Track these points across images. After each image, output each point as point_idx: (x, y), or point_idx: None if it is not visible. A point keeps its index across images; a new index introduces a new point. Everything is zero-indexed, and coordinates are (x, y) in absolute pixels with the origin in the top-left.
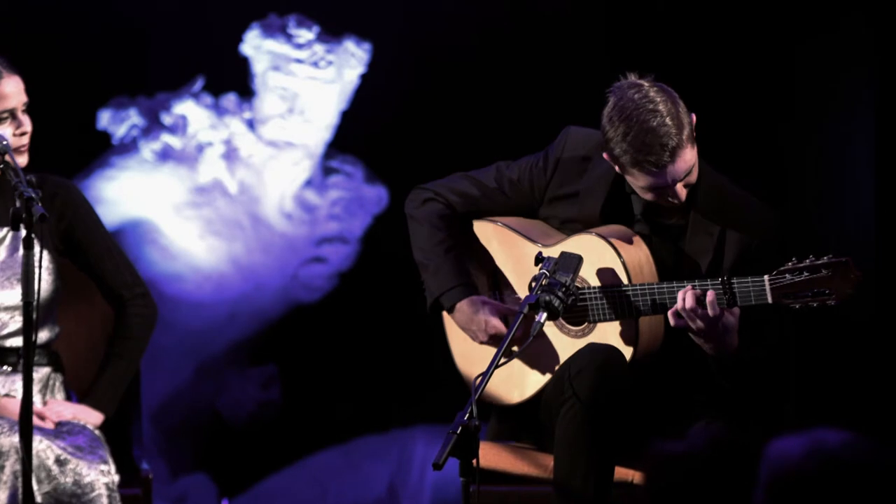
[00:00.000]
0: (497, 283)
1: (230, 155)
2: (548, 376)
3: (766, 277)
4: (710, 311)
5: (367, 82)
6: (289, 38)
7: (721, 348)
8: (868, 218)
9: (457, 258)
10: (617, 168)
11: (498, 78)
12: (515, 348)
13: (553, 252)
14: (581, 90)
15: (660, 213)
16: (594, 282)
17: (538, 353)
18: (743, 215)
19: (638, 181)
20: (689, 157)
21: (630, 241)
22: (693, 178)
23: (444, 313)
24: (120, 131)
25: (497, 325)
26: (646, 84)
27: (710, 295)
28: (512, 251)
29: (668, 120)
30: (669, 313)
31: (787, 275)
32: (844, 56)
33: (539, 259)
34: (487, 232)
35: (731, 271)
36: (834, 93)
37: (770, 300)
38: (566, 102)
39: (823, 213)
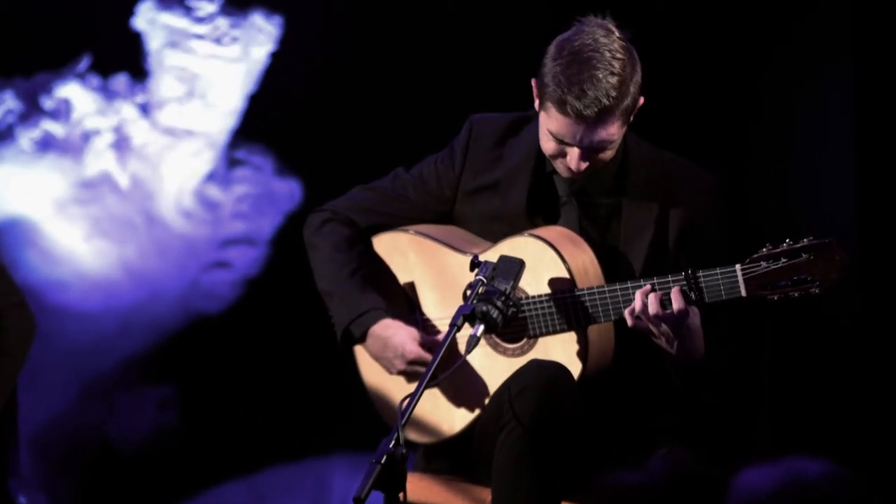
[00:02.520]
0: (417, 303)
1: (121, 144)
2: (482, 404)
3: (737, 267)
4: (674, 305)
5: (278, 61)
6: (188, 10)
7: (686, 354)
8: (849, 206)
9: (365, 280)
10: (536, 102)
11: (426, 56)
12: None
13: (489, 257)
14: (518, 73)
15: (588, 193)
16: (533, 290)
17: (470, 378)
18: (681, 182)
19: (549, 121)
20: (612, 130)
21: (572, 243)
22: (605, 157)
23: (356, 347)
24: None
25: (415, 350)
26: (618, 35)
27: (674, 291)
28: (432, 263)
29: (616, 80)
30: (626, 312)
31: (762, 262)
32: (822, 39)
33: (475, 264)
34: (401, 244)
35: (677, 248)
36: (809, 78)
37: (744, 293)
38: (500, 84)
39: (800, 202)
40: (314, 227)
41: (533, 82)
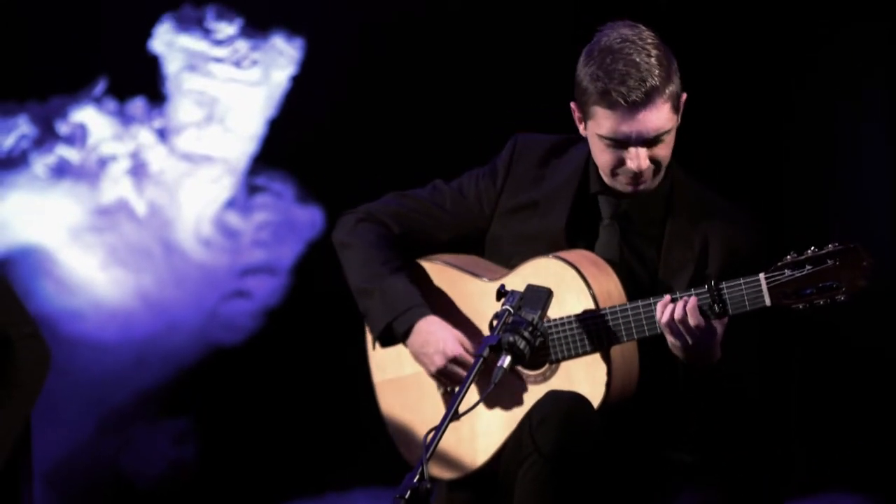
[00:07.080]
0: None
1: (138, 170)
2: (506, 434)
3: (761, 276)
4: (690, 321)
5: (299, 85)
6: (206, 33)
7: (702, 359)
8: (887, 215)
9: (407, 278)
10: (581, 126)
11: (449, 80)
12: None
13: (515, 283)
14: (542, 95)
15: (632, 219)
16: (555, 313)
17: (491, 409)
18: (725, 224)
19: (599, 126)
20: (665, 115)
21: (595, 266)
22: (663, 153)
23: (375, 381)
24: (7, 143)
25: (456, 348)
26: (644, 28)
27: (691, 301)
28: (453, 291)
29: (655, 60)
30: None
31: (786, 270)
32: (860, 48)
33: (501, 293)
34: (420, 272)
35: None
36: (848, 93)
37: (768, 302)
38: (525, 108)
39: (839, 214)
40: (348, 226)
41: (572, 105)
